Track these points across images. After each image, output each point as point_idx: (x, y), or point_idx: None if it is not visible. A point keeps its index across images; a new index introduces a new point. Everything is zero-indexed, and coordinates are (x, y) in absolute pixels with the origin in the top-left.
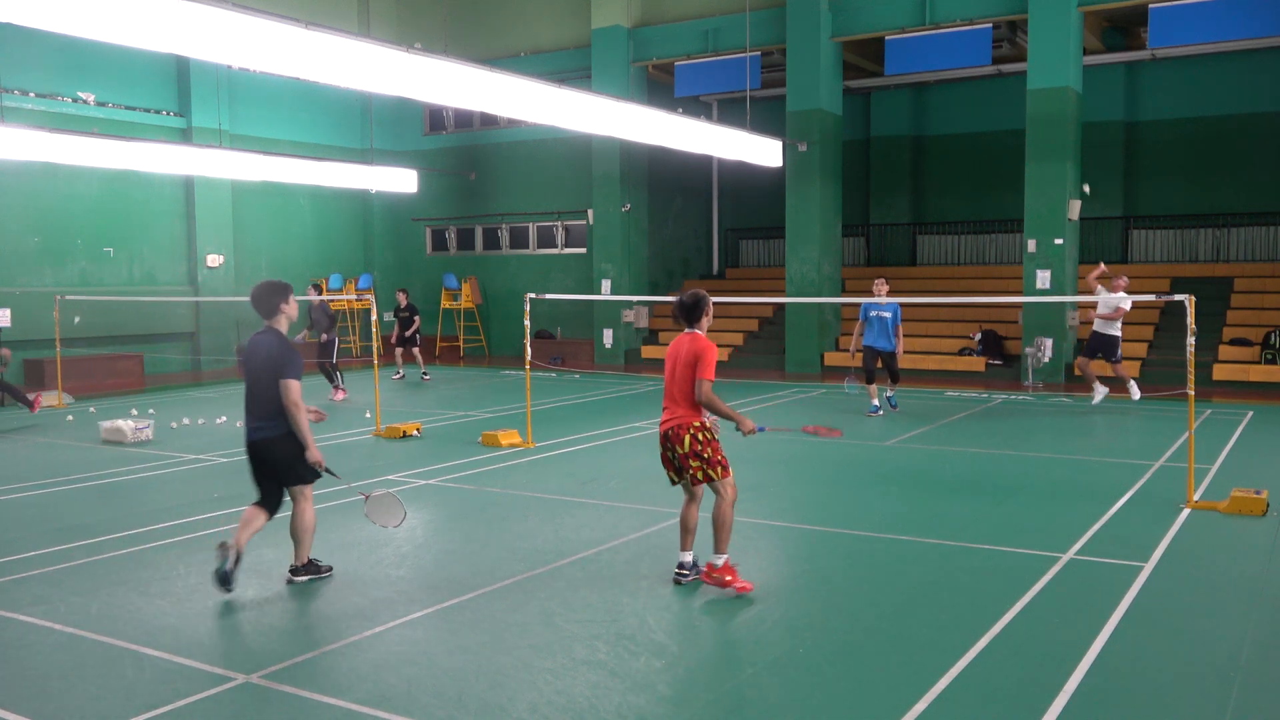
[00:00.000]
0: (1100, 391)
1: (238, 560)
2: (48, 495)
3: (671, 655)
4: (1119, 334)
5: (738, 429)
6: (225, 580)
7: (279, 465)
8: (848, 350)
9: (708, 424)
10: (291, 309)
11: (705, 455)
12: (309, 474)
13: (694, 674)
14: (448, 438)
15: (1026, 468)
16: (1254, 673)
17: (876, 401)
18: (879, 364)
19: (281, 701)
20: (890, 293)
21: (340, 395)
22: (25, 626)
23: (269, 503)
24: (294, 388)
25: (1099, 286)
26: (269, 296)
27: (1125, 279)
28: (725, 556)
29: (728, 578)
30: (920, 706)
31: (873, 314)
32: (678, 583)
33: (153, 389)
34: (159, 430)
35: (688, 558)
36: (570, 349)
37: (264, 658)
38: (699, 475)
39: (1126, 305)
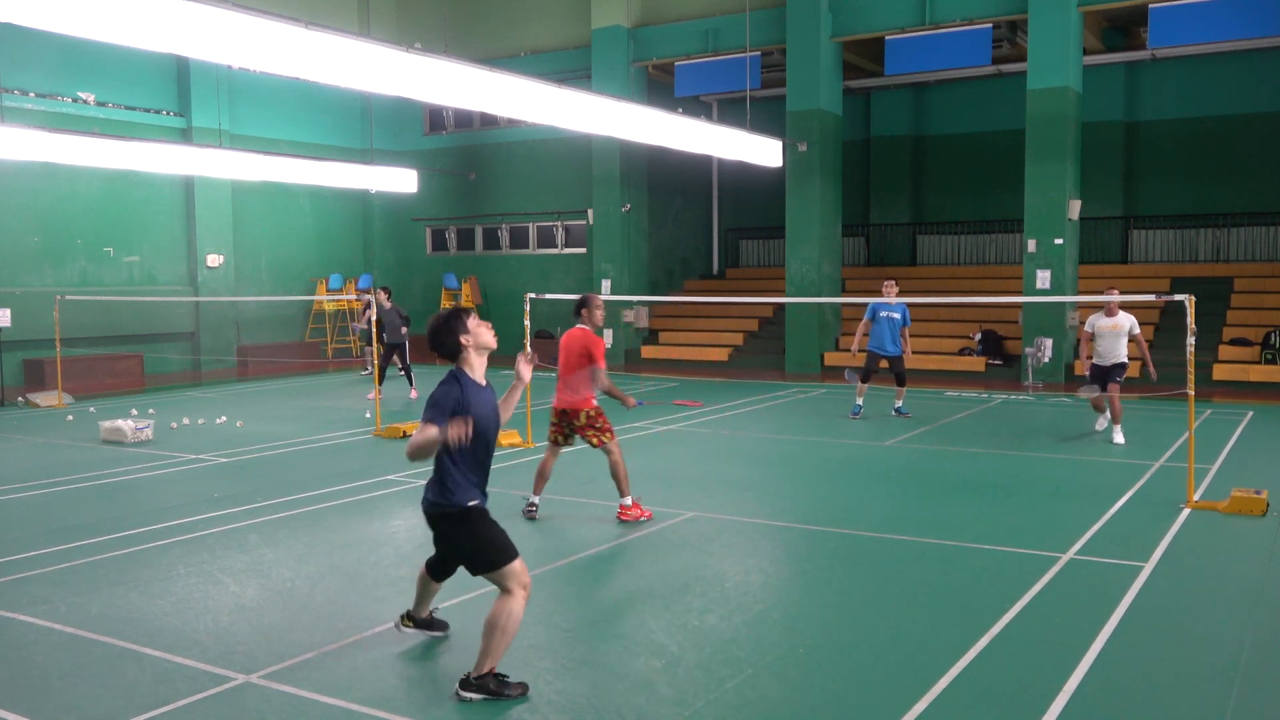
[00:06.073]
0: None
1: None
2: (48, 495)
3: (671, 655)
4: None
5: (623, 405)
6: None
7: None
8: (849, 350)
9: (596, 403)
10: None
11: (598, 425)
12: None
13: (694, 674)
14: None
15: (1026, 468)
16: (1254, 673)
17: (860, 402)
18: (883, 366)
19: (281, 701)
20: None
21: (415, 394)
22: (25, 626)
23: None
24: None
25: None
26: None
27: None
28: (630, 496)
29: (635, 511)
30: (920, 706)
31: (882, 314)
32: (529, 516)
33: (153, 389)
34: (159, 430)
35: (536, 499)
36: None
37: (264, 658)
38: (594, 441)
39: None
